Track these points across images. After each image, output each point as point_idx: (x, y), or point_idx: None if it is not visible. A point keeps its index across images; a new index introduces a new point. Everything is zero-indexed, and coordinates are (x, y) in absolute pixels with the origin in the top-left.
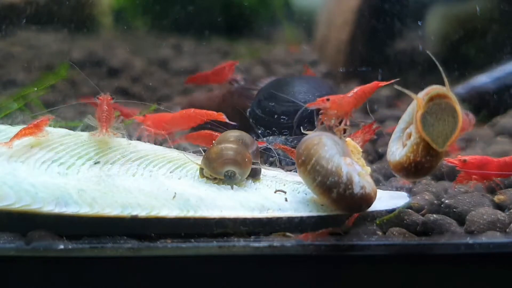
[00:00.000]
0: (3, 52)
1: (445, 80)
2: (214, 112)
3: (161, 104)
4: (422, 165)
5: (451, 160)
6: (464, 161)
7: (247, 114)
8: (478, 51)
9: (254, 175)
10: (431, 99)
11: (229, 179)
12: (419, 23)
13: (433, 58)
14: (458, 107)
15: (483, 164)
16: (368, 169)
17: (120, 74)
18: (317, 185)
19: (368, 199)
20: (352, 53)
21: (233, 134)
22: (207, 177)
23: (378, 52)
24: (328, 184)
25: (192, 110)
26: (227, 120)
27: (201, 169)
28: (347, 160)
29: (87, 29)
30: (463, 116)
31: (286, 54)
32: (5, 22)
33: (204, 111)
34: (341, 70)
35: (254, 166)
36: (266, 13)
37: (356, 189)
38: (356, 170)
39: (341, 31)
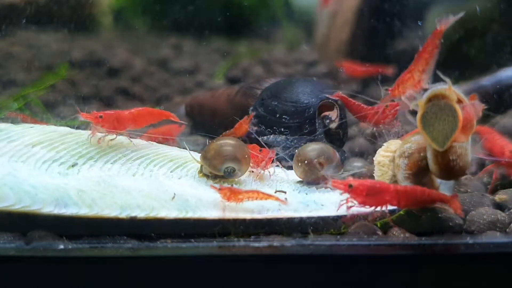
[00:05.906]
0: (3, 52)
1: (447, 79)
2: (167, 112)
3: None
4: (448, 165)
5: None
6: None
7: (250, 112)
8: (478, 51)
9: None
10: (430, 99)
11: (228, 175)
12: (419, 23)
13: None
14: (457, 106)
15: None
16: None
17: (120, 74)
18: None
19: None
20: (352, 53)
21: (315, 147)
22: (207, 175)
23: (378, 52)
24: None
25: (145, 108)
26: (177, 120)
27: (201, 167)
28: None
29: (87, 29)
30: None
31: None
32: (5, 22)
33: (157, 110)
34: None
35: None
36: (266, 13)
37: None
38: None
39: (341, 31)
